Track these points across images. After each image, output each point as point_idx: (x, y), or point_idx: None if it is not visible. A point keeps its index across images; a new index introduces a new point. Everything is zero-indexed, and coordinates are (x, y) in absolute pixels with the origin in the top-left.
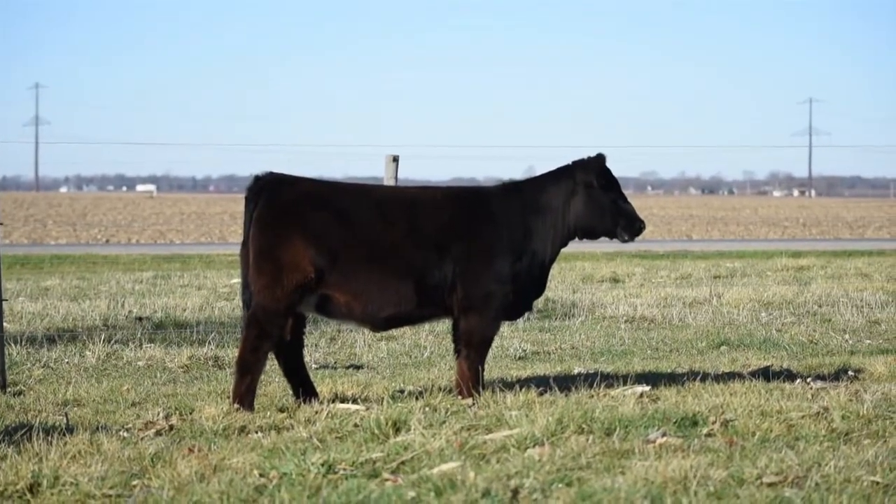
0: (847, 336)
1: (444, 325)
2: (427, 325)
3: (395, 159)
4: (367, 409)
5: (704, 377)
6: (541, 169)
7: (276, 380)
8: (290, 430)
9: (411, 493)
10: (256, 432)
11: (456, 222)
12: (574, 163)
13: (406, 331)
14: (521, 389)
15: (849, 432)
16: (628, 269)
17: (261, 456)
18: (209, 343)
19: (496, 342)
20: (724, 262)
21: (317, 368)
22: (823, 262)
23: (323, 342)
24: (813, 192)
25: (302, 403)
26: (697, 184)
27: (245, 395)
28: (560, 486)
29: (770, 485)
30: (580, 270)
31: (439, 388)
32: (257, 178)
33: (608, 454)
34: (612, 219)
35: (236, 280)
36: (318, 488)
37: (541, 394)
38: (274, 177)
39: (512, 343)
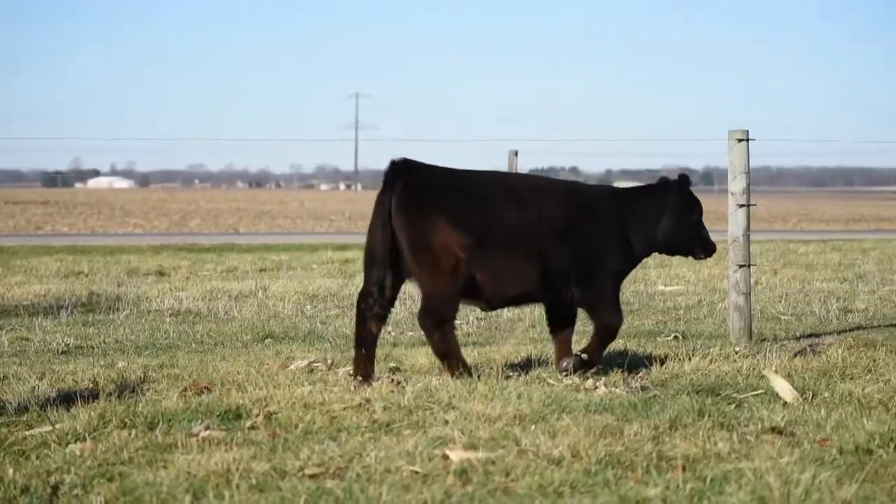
0: (390, 328)
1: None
2: None
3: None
4: None
5: (248, 370)
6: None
7: None
8: None
9: None
10: None
11: (579, 215)
12: (671, 181)
13: None
14: (64, 384)
15: (390, 423)
16: (174, 262)
17: None
18: None
19: (39, 336)
20: (271, 254)
21: None
22: None
23: None
24: (359, 186)
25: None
26: (245, 177)
27: (462, 372)
28: (101, 481)
29: (311, 476)
30: (125, 263)
31: None
32: (393, 163)
33: (151, 448)
34: (694, 239)
35: None
36: None
37: (84, 390)
38: (409, 163)
39: (55, 337)
